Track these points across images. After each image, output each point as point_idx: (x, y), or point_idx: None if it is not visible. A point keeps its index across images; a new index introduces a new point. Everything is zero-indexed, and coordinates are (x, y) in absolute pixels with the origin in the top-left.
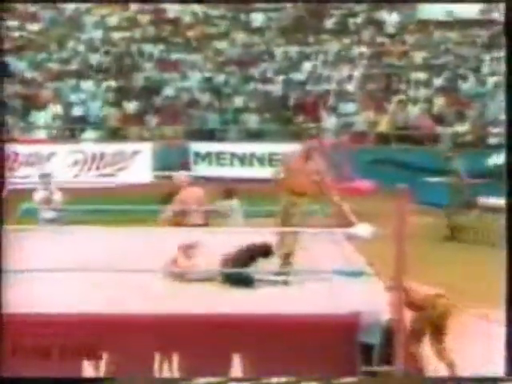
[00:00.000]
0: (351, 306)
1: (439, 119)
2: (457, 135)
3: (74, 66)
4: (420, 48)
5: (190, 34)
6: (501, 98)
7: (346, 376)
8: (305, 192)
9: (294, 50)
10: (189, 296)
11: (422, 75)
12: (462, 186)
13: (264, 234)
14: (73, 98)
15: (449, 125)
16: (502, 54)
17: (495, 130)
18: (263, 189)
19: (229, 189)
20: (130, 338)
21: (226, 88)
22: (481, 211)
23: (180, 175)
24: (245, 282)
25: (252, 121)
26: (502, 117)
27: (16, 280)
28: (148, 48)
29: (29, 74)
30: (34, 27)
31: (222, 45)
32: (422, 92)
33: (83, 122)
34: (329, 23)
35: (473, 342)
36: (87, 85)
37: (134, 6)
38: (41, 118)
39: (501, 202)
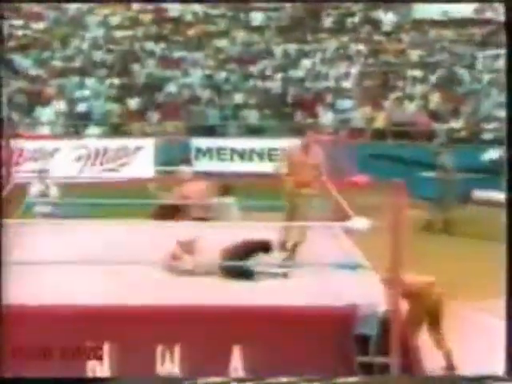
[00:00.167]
0: (348, 298)
1: (435, 115)
2: (452, 131)
3: (77, 64)
4: (416, 46)
5: (191, 32)
6: (495, 94)
7: (343, 367)
8: (308, 184)
9: (292, 48)
10: (189, 289)
11: (417, 73)
12: (450, 181)
13: (264, 228)
14: (76, 94)
15: (444, 121)
16: (495, 51)
17: (489, 126)
18: (263, 183)
19: (225, 186)
20: (131, 330)
21: (227, 85)
22: (475, 205)
23: (184, 169)
24: (245, 274)
25: (252, 117)
26: (496, 113)
27: (16, 273)
28: (150, 46)
29: (33, 72)
30: (39, 26)
31: (222, 43)
32: (418, 89)
33: (87, 118)
34: (327, 22)
35: (470, 337)
36: (90, 82)
37: (135, 6)
38: (45, 114)
39: (494, 195)
